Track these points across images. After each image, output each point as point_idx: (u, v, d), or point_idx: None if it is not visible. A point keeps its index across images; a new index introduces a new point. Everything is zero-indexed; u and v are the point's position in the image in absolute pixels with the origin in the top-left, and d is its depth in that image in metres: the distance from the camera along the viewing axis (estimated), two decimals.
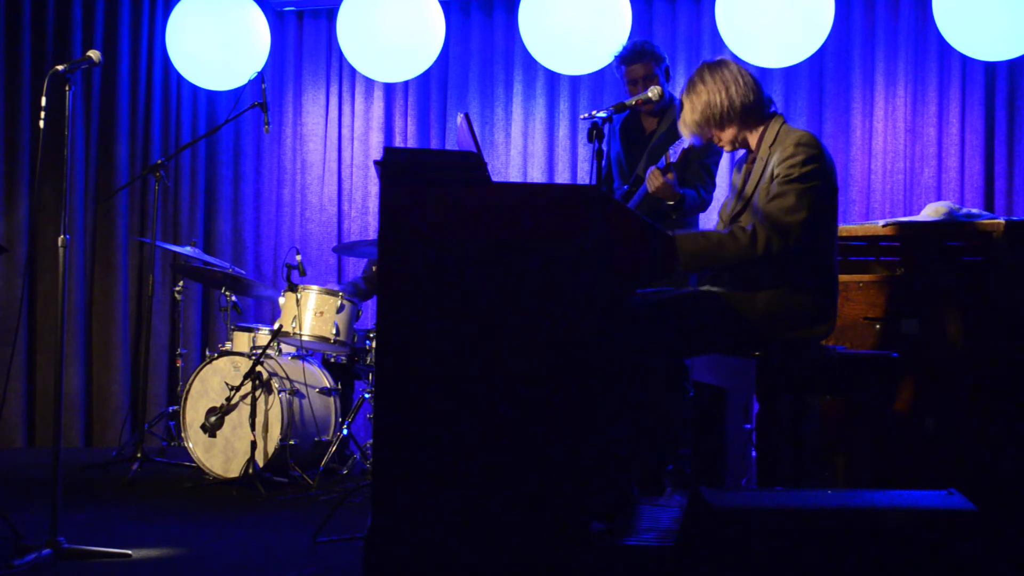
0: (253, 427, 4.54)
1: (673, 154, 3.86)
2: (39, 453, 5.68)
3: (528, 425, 2.73)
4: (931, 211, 4.01)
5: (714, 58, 3.34)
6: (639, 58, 4.29)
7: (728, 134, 3.27)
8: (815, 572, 2.38)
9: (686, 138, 3.35)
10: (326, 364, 5.28)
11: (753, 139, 3.28)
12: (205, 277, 5.39)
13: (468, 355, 2.74)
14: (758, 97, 3.23)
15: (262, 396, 4.65)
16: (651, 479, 4.05)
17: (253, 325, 5.18)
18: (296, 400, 4.79)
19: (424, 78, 6.08)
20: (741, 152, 3.40)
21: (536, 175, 5.93)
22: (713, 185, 4.30)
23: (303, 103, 6.35)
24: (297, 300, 4.93)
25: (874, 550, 2.38)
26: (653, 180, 3.94)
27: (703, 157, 4.23)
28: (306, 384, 4.91)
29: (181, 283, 5.55)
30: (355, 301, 5.09)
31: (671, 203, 4.00)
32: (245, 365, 4.71)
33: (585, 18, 5.39)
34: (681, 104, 3.30)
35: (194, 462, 4.77)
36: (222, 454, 4.71)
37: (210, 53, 5.84)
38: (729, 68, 3.24)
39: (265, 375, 4.67)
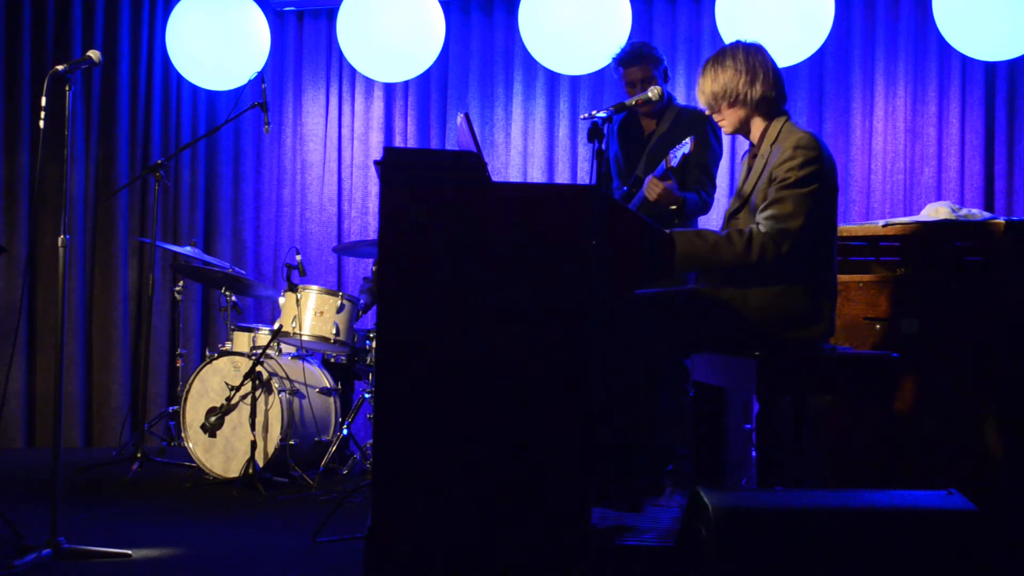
0: (253, 427, 4.54)
1: (673, 159, 3.85)
2: (39, 453, 5.69)
3: (528, 425, 2.73)
4: (931, 211, 4.01)
5: (752, 41, 3.31)
6: (637, 60, 4.29)
7: (736, 116, 3.26)
8: (815, 572, 2.38)
9: (700, 104, 3.34)
10: (326, 364, 5.28)
11: (756, 131, 3.27)
12: (205, 277, 5.39)
13: (468, 354, 2.74)
14: (779, 94, 3.24)
15: (262, 396, 4.65)
16: (651, 479, 4.05)
17: (253, 325, 5.18)
18: (296, 400, 4.79)
19: (424, 78, 6.08)
20: (745, 145, 3.39)
21: (536, 175, 5.93)
22: (713, 187, 4.29)
23: (303, 103, 6.35)
24: (297, 300, 4.94)
25: (874, 550, 2.38)
26: (653, 188, 3.94)
27: (702, 160, 4.22)
28: (306, 384, 4.91)
29: (181, 283, 5.55)
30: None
31: (673, 207, 4.00)
32: (245, 365, 4.71)
33: (585, 18, 5.39)
34: (703, 69, 3.28)
35: (194, 462, 4.77)
36: (222, 454, 4.71)
37: (210, 53, 5.84)
38: (764, 57, 3.24)
39: (265, 375, 4.67)
